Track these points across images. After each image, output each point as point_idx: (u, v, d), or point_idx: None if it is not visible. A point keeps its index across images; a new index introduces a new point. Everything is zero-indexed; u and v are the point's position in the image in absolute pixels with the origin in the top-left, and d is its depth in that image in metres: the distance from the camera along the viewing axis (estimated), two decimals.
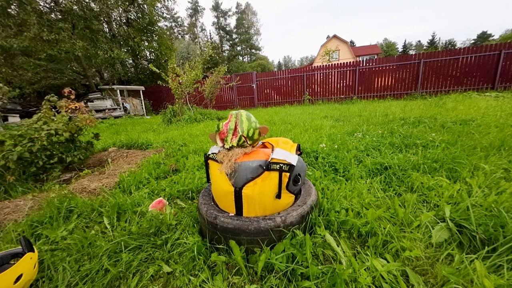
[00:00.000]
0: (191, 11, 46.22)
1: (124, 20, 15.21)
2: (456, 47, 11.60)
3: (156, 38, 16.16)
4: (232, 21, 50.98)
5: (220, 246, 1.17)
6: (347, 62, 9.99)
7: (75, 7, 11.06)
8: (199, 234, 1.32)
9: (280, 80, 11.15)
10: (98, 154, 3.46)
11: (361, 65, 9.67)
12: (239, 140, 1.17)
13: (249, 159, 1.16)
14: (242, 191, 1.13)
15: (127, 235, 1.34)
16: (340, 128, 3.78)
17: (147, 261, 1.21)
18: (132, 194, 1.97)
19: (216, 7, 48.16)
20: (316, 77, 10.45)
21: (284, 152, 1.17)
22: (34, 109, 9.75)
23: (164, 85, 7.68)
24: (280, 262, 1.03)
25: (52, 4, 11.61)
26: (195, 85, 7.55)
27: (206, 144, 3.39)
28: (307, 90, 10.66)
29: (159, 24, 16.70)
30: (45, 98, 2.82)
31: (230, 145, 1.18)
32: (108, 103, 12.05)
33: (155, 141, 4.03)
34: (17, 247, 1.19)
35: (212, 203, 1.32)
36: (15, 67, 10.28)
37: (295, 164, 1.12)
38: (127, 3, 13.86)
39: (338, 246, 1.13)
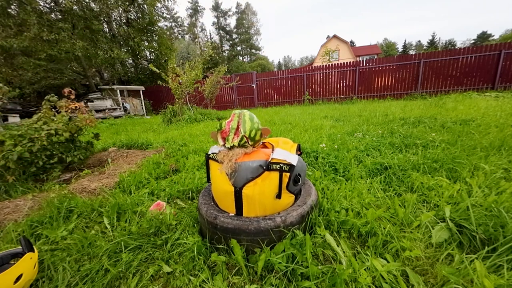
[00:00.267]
0: (191, 11, 46.23)
1: (124, 20, 15.21)
2: (456, 47, 11.61)
3: (156, 38, 16.15)
4: (232, 21, 51.03)
5: (220, 246, 1.17)
6: (347, 62, 9.99)
7: (75, 7, 11.06)
8: (199, 234, 1.32)
9: (280, 80, 11.15)
10: (98, 154, 3.46)
11: (361, 65, 9.67)
12: (240, 140, 1.17)
13: (249, 159, 1.16)
14: (242, 191, 1.13)
15: (127, 235, 1.34)
16: (340, 128, 3.78)
17: (147, 261, 1.21)
18: (132, 194, 1.97)
19: (216, 7, 48.16)
20: (316, 77, 10.45)
21: (284, 152, 1.17)
22: (34, 109, 9.75)
23: (164, 85, 7.68)
24: (280, 262, 1.03)
25: (52, 4, 11.61)
26: (195, 85, 7.55)
27: (206, 144, 3.39)
28: (307, 90, 10.66)
29: (159, 24, 16.70)
30: (45, 98, 2.82)
31: (231, 145, 1.18)
32: (108, 103, 12.05)
33: (155, 141, 4.03)
34: (17, 247, 1.19)
35: (212, 203, 1.32)
36: (15, 67, 10.28)
37: (295, 164, 1.12)
38: (127, 3, 13.86)
39: (338, 246, 1.13)
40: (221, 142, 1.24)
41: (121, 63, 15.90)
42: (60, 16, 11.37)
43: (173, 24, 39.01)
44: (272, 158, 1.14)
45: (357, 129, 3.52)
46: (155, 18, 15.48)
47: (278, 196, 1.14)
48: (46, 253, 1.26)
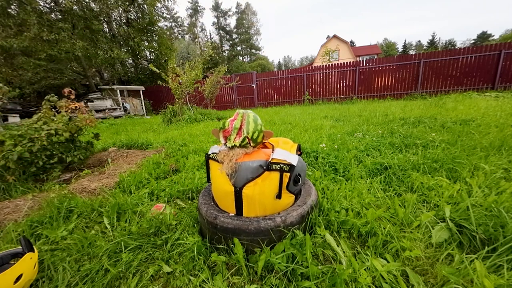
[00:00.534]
0: (191, 11, 46.23)
1: (124, 20, 15.20)
2: (456, 47, 11.61)
3: (156, 38, 16.15)
4: (232, 21, 51.03)
5: (220, 246, 1.17)
6: (347, 62, 9.99)
7: (75, 7, 11.05)
8: (199, 234, 1.32)
9: (280, 80, 11.15)
10: (98, 154, 3.46)
11: (361, 65, 9.67)
12: (242, 141, 1.17)
13: (249, 159, 1.16)
14: (242, 191, 1.13)
15: (127, 235, 1.34)
16: (340, 128, 3.78)
17: (147, 261, 1.21)
18: (132, 194, 1.97)
19: (216, 7, 48.16)
20: (316, 77, 10.45)
21: (285, 152, 1.17)
22: (34, 109, 9.75)
23: (164, 85, 7.68)
24: (280, 262, 1.03)
25: (52, 4, 11.61)
26: (195, 85, 7.55)
27: (206, 144, 3.39)
28: (307, 90, 10.66)
29: (159, 24, 16.69)
30: (45, 98, 2.82)
31: (233, 144, 1.18)
32: (108, 103, 12.05)
33: (155, 141, 4.03)
34: (17, 247, 1.19)
35: (212, 203, 1.32)
36: (15, 67, 10.28)
37: (295, 164, 1.12)
38: (127, 3, 13.86)
39: (338, 246, 1.13)
40: (222, 140, 1.23)
41: (121, 63, 15.90)
42: (60, 16, 11.37)
43: (173, 24, 39.02)
44: (272, 158, 1.14)
45: (357, 129, 3.52)
46: (155, 18, 15.48)
47: (278, 196, 1.14)
48: (46, 253, 1.26)
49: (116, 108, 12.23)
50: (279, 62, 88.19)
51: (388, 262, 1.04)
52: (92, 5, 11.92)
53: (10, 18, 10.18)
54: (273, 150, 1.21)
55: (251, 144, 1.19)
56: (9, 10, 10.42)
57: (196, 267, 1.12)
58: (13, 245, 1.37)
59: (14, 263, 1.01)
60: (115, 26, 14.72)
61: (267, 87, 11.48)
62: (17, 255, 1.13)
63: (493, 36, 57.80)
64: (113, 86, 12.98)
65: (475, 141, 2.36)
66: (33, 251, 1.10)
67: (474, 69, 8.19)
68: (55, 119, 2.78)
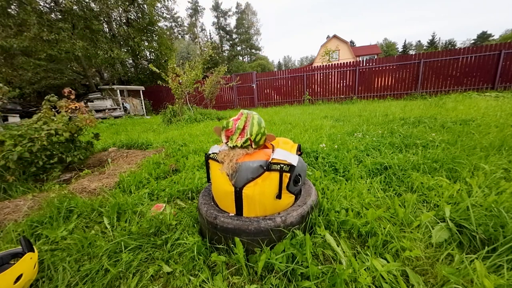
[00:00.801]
0: (191, 11, 46.23)
1: (124, 20, 15.20)
2: (456, 47, 11.61)
3: (156, 38, 16.15)
4: (232, 21, 51.03)
5: (220, 246, 1.17)
6: (347, 62, 9.99)
7: (75, 7, 11.05)
8: (199, 234, 1.32)
9: (280, 80, 11.15)
10: (98, 154, 3.46)
11: (361, 65, 9.67)
12: (244, 142, 1.17)
13: (249, 159, 1.16)
14: (243, 191, 1.13)
15: (127, 235, 1.34)
16: (340, 128, 3.78)
17: (147, 261, 1.21)
18: (132, 194, 1.97)
19: (216, 7, 48.16)
20: (316, 77, 10.45)
21: (285, 152, 1.17)
22: (34, 109, 9.75)
23: (164, 85, 7.69)
24: (280, 262, 1.03)
25: (52, 4, 11.60)
26: (195, 85, 7.55)
27: (206, 144, 3.39)
28: (307, 90, 10.66)
29: (159, 24, 16.69)
30: (45, 98, 2.82)
31: (234, 145, 1.18)
32: (108, 103, 12.05)
33: (155, 141, 4.03)
34: (17, 247, 1.19)
35: (212, 203, 1.32)
36: (15, 67, 10.28)
37: (295, 165, 1.12)
38: (127, 3, 13.86)
39: (338, 246, 1.13)
40: (224, 139, 1.23)
41: (121, 63, 15.89)
42: (60, 16, 11.37)
43: (173, 24, 39.03)
44: (272, 159, 1.14)
45: (357, 129, 3.52)
46: (155, 18, 15.48)
47: (278, 196, 1.14)
48: (46, 253, 1.26)
49: (116, 108, 12.23)
50: (279, 62, 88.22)
51: (388, 262, 1.04)
52: (92, 5, 11.92)
53: (10, 18, 10.18)
54: (273, 150, 1.21)
55: (253, 146, 1.19)
56: (9, 10, 10.42)
57: (196, 267, 1.12)
58: (13, 245, 1.37)
59: (14, 263, 1.01)
60: (115, 26, 14.72)
61: (267, 87, 11.48)
62: (17, 255, 1.13)
63: (493, 36, 57.81)
64: (113, 86, 12.98)
65: (475, 141, 2.36)
66: (33, 251, 1.10)
67: (474, 69, 8.19)
68: (55, 119, 2.78)
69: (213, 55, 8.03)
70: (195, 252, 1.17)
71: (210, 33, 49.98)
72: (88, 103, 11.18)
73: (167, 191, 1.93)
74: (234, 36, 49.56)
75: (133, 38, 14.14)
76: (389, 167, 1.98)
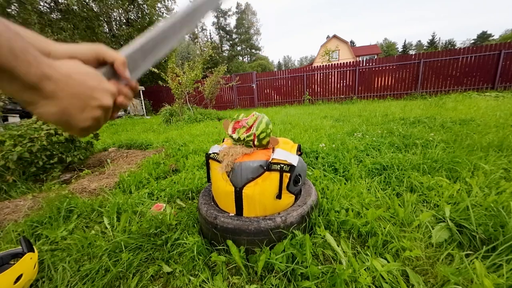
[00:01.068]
0: None
1: (124, 20, 15.21)
2: (456, 47, 11.60)
3: None
4: (232, 21, 51.04)
5: (220, 246, 1.17)
6: (347, 62, 9.99)
7: (75, 7, 11.06)
8: (199, 234, 1.32)
9: (280, 80, 11.15)
10: (98, 154, 3.46)
11: (361, 65, 9.67)
12: (248, 136, 1.17)
13: (249, 159, 1.16)
14: (243, 191, 1.13)
15: (127, 235, 1.34)
16: (340, 128, 3.78)
17: (147, 261, 1.21)
18: (132, 194, 1.97)
19: (216, 7, 48.12)
20: (316, 77, 10.45)
21: (285, 152, 1.17)
22: None
23: (164, 85, 7.69)
24: (280, 262, 1.03)
25: (52, 4, 11.61)
26: (195, 85, 7.55)
27: (206, 144, 3.39)
28: (307, 90, 10.66)
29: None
30: None
31: (238, 137, 1.18)
32: None
33: (155, 141, 4.03)
34: (17, 247, 1.19)
35: (212, 203, 1.32)
36: None
37: (295, 165, 1.12)
38: (127, 3, 13.87)
39: (338, 246, 1.13)
40: (230, 131, 1.24)
41: None
42: (60, 16, 11.38)
43: None
44: (272, 159, 1.14)
45: (357, 129, 3.52)
46: (155, 18, 15.49)
47: (279, 196, 1.14)
48: (46, 253, 1.26)
49: None
50: (279, 62, 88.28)
51: (388, 262, 1.04)
52: (93, 5, 11.93)
53: (10, 18, 10.18)
54: (273, 150, 1.21)
55: (255, 143, 1.19)
56: (9, 10, 10.42)
57: (196, 267, 1.12)
58: (13, 245, 1.37)
59: (14, 263, 1.01)
60: (115, 26, 14.73)
61: (267, 87, 11.49)
62: (17, 255, 1.13)
63: (493, 36, 57.89)
64: None
65: (474, 141, 2.36)
66: (33, 251, 1.10)
67: (474, 69, 8.19)
68: None
69: (213, 55, 8.02)
70: (195, 252, 1.17)
71: (210, 33, 50.04)
72: None
73: (167, 191, 1.93)
74: (234, 36, 49.59)
75: (133, 38, 14.14)
76: (389, 167, 1.98)
